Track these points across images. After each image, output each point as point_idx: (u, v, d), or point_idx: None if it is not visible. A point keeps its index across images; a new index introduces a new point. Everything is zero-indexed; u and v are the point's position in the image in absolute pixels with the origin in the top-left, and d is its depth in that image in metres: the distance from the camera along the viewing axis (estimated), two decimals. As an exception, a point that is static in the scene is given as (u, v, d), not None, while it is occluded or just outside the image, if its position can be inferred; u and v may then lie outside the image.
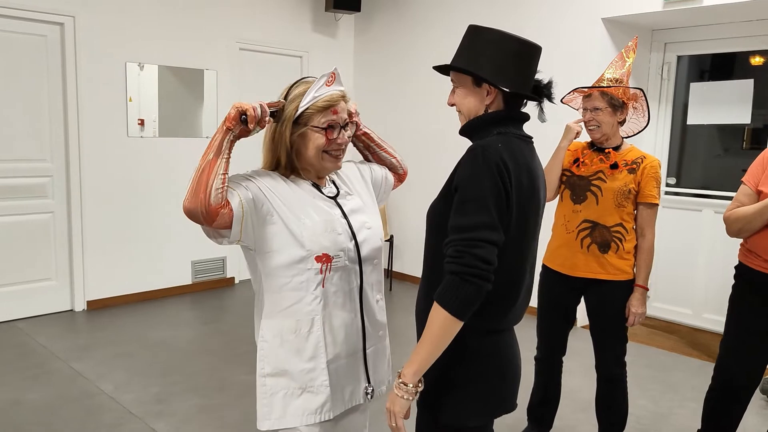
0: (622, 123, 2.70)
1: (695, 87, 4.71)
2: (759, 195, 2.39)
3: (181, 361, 3.90)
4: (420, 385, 1.43)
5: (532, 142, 1.59)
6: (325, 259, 1.61)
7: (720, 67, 5.00)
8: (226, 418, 3.18)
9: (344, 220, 1.67)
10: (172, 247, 5.30)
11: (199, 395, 3.43)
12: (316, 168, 1.66)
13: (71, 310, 4.83)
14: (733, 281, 2.58)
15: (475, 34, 1.53)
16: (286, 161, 1.63)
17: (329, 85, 1.60)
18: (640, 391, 3.57)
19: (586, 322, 3.93)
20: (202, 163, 1.49)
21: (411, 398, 1.43)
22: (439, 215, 1.52)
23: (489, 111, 1.54)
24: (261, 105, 1.51)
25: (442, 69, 1.61)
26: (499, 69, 1.49)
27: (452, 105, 1.61)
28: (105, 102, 4.81)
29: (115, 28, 4.79)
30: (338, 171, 1.80)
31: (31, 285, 4.65)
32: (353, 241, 1.67)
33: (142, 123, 5.03)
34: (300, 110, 1.58)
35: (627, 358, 2.76)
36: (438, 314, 1.38)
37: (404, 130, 5.92)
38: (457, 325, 1.38)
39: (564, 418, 3.22)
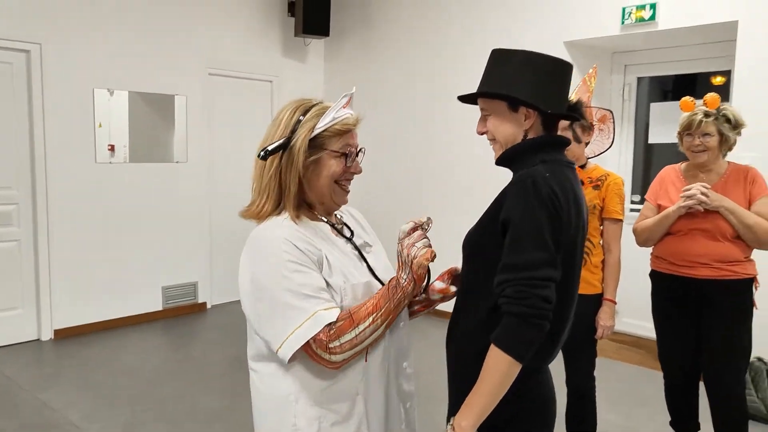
0: (587, 144, 2.79)
1: (655, 107, 4.86)
2: (658, 208, 2.76)
3: (150, 388, 3.83)
4: None
5: (575, 168, 1.51)
6: None
7: (682, 86, 5.15)
8: (197, 444, 3.13)
9: (373, 278, 1.46)
10: (142, 273, 5.23)
11: (169, 422, 3.37)
12: (326, 201, 1.46)
13: (38, 339, 4.72)
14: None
15: (503, 58, 1.45)
16: (296, 194, 1.40)
17: (346, 107, 1.44)
18: (609, 405, 3.61)
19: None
20: (373, 325, 1.33)
21: None
22: (476, 246, 1.44)
23: (528, 137, 1.44)
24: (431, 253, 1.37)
25: (468, 97, 1.50)
26: (537, 90, 1.40)
27: (482, 133, 1.50)
28: (72, 128, 4.77)
29: (83, 54, 4.78)
30: (353, 215, 1.64)
31: (-4, 315, 4.54)
32: None
33: (112, 148, 5.00)
34: (316, 131, 1.39)
35: (596, 373, 2.81)
36: (499, 359, 1.29)
37: (376, 155, 5.96)
38: (518, 368, 1.30)
39: (537, 435, 3.23)
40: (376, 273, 1.48)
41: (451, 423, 1.35)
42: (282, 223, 1.39)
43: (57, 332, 4.77)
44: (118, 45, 4.96)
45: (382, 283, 1.46)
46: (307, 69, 6.33)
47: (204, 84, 5.54)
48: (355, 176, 1.50)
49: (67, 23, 4.68)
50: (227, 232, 5.76)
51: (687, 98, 2.70)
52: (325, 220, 1.50)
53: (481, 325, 1.39)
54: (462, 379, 1.42)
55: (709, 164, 2.67)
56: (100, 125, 4.93)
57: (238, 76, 5.81)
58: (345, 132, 1.42)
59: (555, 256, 1.32)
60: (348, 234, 1.53)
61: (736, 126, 2.62)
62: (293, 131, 1.40)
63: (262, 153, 1.39)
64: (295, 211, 1.41)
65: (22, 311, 4.67)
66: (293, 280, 1.31)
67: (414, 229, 1.44)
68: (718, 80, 4.73)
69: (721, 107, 2.62)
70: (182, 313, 5.50)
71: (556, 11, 4.67)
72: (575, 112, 1.51)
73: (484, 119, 1.50)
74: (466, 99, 1.53)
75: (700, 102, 2.67)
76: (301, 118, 1.41)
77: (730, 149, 2.69)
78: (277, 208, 1.42)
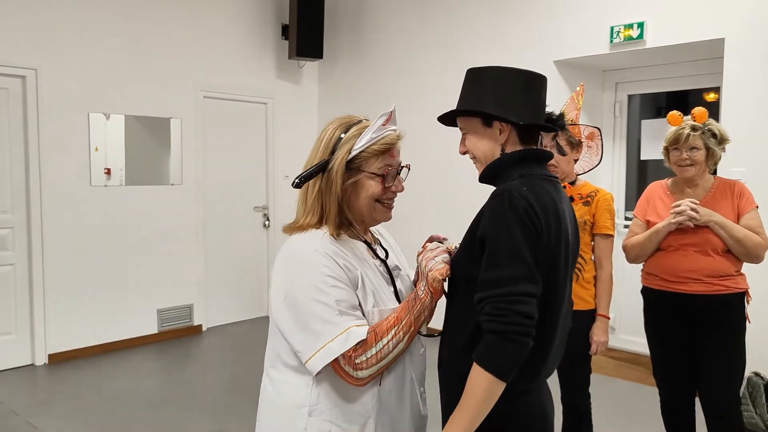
0: (576, 161, 2.81)
1: (646, 124, 4.90)
2: (647, 224, 2.76)
3: (143, 413, 3.80)
4: None
5: (559, 182, 1.49)
6: None
7: (675, 103, 5.18)
8: (190, 468, 3.10)
9: (397, 303, 1.46)
10: (137, 296, 5.21)
11: (163, 447, 3.33)
12: (366, 219, 1.47)
13: (32, 364, 4.69)
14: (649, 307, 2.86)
15: (475, 76, 1.46)
16: (336, 214, 1.41)
17: (385, 125, 1.43)
18: (606, 423, 3.58)
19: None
20: (395, 338, 1.33)
21: None
22: (458, 265, 1.42)
23: (506, 151, 1.43)
24: (446, 261, 1.39)
25: (446, 119, 1.52)
26: (506, 103, 1.40)
27: (464, 153, 1.51)
28: (67, 152, 4.79)
29: (78, 79, 4.81)
30: (382, 233, 1.64)
31: (-10, 340, 4.52)
32: None
33: (108, 172, 5.02)
34: (354, 153, 1.40)
35: (594, 391, 2.79)
36: (481, 378, 1.26)
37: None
38: (501, 387, 1.28)
39: (534, 454, 3.20)
40: (402, 298, 1.49)
41: None
42: (321, 237, 1.40)
43: (51, 357, 4.74)
44: (114, 69, 5.00)
45: None
46: (302, 91, 6.38)
47: (199, 107, 5.57)
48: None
49: (63, 48, 4.73)
50: (222, 255, 5.76)
51: (675, 112, 2.71)
52: (364, 239, 1.50)
53: (467, 346, 1.36)
54: (452, 400, 1.40)
55: (696, 179, 2.68)
56: (97, 149, 4.95)
57: (233, 98, 5.85)
58: (384, 151, 1.42)
59: (533, 270, 1.29)
60: (383, 255, 1.53)
61: (722, 141, 2.64)
62: (333, 151, 1.41)
63: (296, 181, 1.39)
64: (336, 230, 1.41)
65: (16, 336, 4.64)
66: (330, 295, 1.32)
67: (437, 244, 1.47)
68: (711, 96, 4.75)
69: (707, 122, 2.64)
70: (178, 335, 5.47)
71: (546, 31, 4.73)
72: (555, 124, 1.50)
73: (464, 138, 1.50)
74: (446, 122, 1.54)
75: (687, 117, 2.69)
76: (342, 136, 1.42)
77: (715, 164, 2.70)
78: (319, 222, 1.43)
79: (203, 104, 5.62)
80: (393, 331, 1.33)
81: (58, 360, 4.76)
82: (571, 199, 2.74)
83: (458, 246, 1.49)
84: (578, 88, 2.87)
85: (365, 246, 1.48)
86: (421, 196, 5.60)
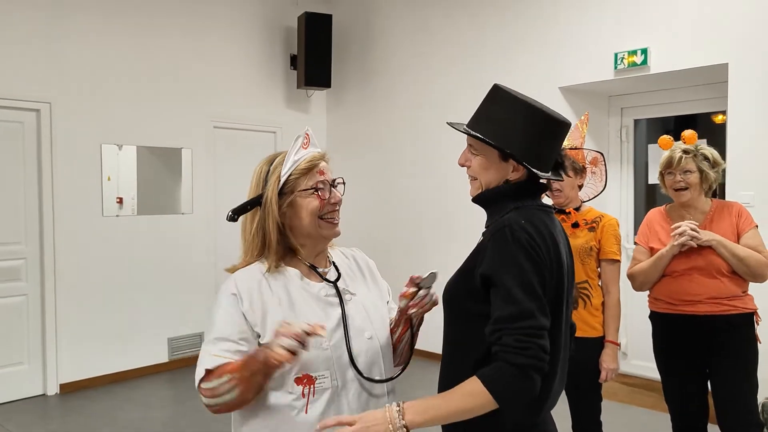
0: (580, 187, 2.82)
1: (653, 148, 4.91)
2: (651, 251, 2.76)
3: (155, 442, 3.80)
4: None
5: (552, 211, 1.48)
6: (306, 380, 1.38)
7: (683, 126, 5.17)
8: (200, 500, 3.08)
9: (341, 328, 1.45)
10: (148, 325, 5.23)
11: (173, 477, 3.32)
12: (314, 238, 1.50)
13: (44, 394, 4.71)
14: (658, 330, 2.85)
15: (503, 101, 1.41)
16: (278, 243, 1.45)
17: (306, 148, 1.50)
18: (621, 452, 3.54)
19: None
20: (228, 384, 1.32)
21: None
22: (456, 298, 1.41)
23: (510, 181, 1.42)
24: (301, 331, 1.26)
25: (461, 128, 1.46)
26: (531, 148, 1.37)
27: (464, 165, 1.47)
28: (80, 183, 4.87)
29: (90, 111, 4.91)
30: (356, 259, 1.65)
31: (3, 370, 4.54)
32: (348, 354, 1.42)
33: (120, 201, 5.09)
34: (283, 179, 1.46)
35: (606, 418, 2.77)
36: (479, 393, 1.24)
37: (379, 203, 6.02)
38: (494, 408, 1.25)
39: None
40: (350, 320, 1.46)
41: (402, 407, 1.28)
42: (251, 269, 1.47)
43: (63, 386, 4.76)
44: (126, 101, 5.10)
45: (348, 331, 1.44)
46: (310, 120, 6.45)
47: (209, 137, 5.66)
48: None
49: (76, 82, 4.83)
50: (233, 282, 5.77)
51: (665, 136, 2.77)
52: (308, 263, 1.51)
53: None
54: None
55: (692, 202, 2.69)
56: (109, 178, 5.03)
57: (243, 128, 5.93)
58: (311, 169, 1.48)
59: (544, 303, 1.29)
60: (334, 277, 1.53)
61: (715, 164, 2.66)
62: (265, 185, 1.48)
63: (229, 214, 1.44)
64: (277, 262, 1.47)
65: (29, 366, 4.66)
66: (216, 325, 1.41)
67: (304, 335, 1.31)
68: (719, 118, 4.73)
69: (699, 146, 2.67)
70: (189, 364, 5.47)
71: (551, 58, 4.78)
72: (560, 168, 1.48)
73: (470, 153, 1.46)
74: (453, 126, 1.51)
75: (679, 142, 2.73)
76: (269, 168, 1.50)
77: (710, 188, 2.71)
78: (260, 257, 1.49)
79: (214, 134, 5.70)
80: (227, 377, 1.32)
81: (69, 390, 4.78)
82: (576, 224, 2.75)
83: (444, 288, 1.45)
84: (583, 117, 2.90)
85: (308, 269, 1.50)
86: (430, 220, 5.62)
